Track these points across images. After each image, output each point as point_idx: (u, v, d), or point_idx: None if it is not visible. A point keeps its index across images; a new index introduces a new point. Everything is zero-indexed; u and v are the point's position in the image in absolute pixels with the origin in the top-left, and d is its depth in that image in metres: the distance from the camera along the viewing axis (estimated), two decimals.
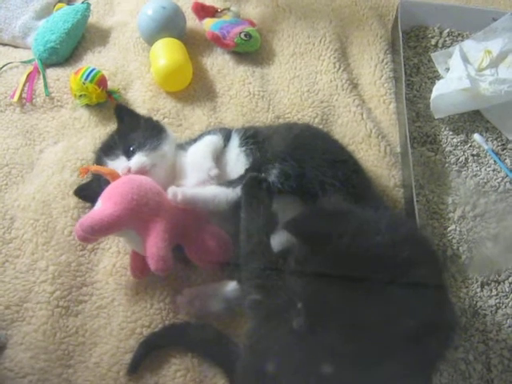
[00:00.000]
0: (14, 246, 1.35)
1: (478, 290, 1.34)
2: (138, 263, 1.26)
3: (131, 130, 1.34)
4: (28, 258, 1.33)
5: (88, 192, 1.35)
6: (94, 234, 1.13)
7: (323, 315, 0.94)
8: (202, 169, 1.28)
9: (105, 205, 1.16)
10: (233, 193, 1.21)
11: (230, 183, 1.24)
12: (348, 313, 0.92)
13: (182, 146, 1.39)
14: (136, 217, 1.16)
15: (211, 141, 1.36)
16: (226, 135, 1.38)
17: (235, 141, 1.36)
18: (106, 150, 1.33)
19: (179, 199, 1.18)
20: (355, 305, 0.92)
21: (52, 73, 1.71)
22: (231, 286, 1.24)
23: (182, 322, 1.25)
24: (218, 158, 1.33)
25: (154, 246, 1.15)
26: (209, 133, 1.41)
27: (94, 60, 1.76)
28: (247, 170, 1.27)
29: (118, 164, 1.27)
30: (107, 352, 1.21)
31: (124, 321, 1.24)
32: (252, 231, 1.11)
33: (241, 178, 1.25)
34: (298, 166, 1.23)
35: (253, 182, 1.15)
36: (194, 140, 1.40)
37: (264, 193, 1.14)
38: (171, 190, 1.19)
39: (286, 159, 1.24)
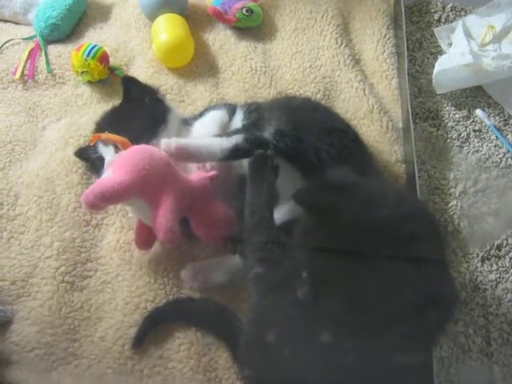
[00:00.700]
0: (19, 222, 1.36)
1: (479, 264, 1.35)
2: (144, 234, 1.27)
3: (136, 108, 1.35)
4: (33, 235, 1.34)
5: (88, 155, 1.37)
6: (104, 200, 1.13)
7: (327, 285, 0.95)
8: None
9: (116, 173, 1.16)
10: (227, 142, 1.21)
11: (225, 134, 1.25)
12: (351, 284, 0.93)
13: (187, 121, 1.39)
14: (146, 186, 1.17)
15: (216, 115, 1.37)
16: (231, 110, 1.39)
17: (240, 116, 1.37)
18: (109, 125, 1.34)
19: (173, 148, 1.18)
20: (359, 276, 0.93)
21: (53, 49, 1.71)
22: (234, 260, 1.25)
23: (186, 297, 1.27)
24: (223, 132, 1.34)
25: (163, 216, 1.16)
26: (214, 108, 1.42)
27: (96, 36, 1.75)
28: (244, 126, 1.29)
29: None
30: (112, 326, 1.22)
31: (128, 296, 1.26)
32: (256, 206, 1.12)
33: (236, 130, 1.27)
34: (294, 127, 1.23)
35: (259, 159, 1.16)
36: (200, 115, 1.41)
37: (269, 169, 1.14)
38: (164, 141, 1.20)
39: (283, 120, 1.25)
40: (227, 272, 1.25)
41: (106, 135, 1.30)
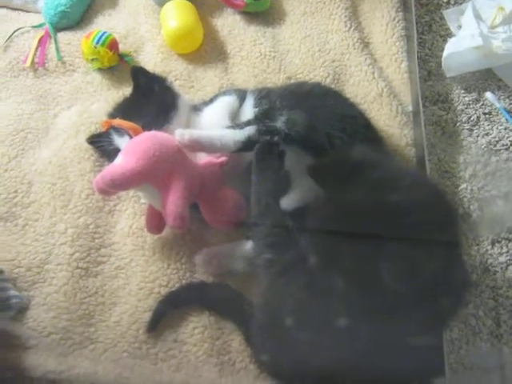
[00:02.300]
0: (33, 209, 1.38)
1: (489, 247, 1.35)
2: (154, 219, 1.29)
3: (146, 97, 1.35)
4: (47, 221, 1.36)
5: (102, 143, 1.38)
6: (115, 187, 1.15)
7: (339, 263, 0.96)
8: (218, 128, 1.29)
9: (126, 159, 1.17)
10: (240, 133, 1.21)
11: (237, 125, 1.25)
12: (364, 263, 0.94)
13: (197, 107, 1.40)
14: (156, 173, 1.18)
15: (226, 101, 1.38)
16: (241, 96, 1.39)
17: (250, 101, 1.37)
18: (121, 115, 1.34)
19: (186, 139, 1.19)
20: (372, 256, 0.94)
21: (63, 37, 1.72)
22: (248, 245, 1.26)
23: (199, 282, 1.29)
24: (234, 118, 1.35)
25: (173, 203, 1.17)
26: (224, 93, 1.43)
27: (105, 23, 1.76)
28: (256, 116, 1.29)
29: None
30: (127, 311, 1.24)
31: (142, 281, 1.28)
32: (262, 194, 1.13)
33: (248, 121, 1.26)
34: (306, 115, 1.24)
35: (264, 147, 1.16)
36: (210, 101, 1.42)
37: (275, 157, 1.15)
38: (178, 132, 1.20)
39: (294, 108, 1.25)
40: (241, 257, 1.27)
41: (117, 121, 1.31)
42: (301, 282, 1.02)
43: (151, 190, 1.22)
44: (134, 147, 1.20)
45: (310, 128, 1.22)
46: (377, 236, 0.93)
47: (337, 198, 1.01)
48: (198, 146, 1.21)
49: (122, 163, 1.17)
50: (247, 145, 1.20)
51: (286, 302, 1.06)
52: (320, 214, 1.05)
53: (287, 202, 1.18)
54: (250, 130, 1.21)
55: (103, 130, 1.37)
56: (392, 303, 0.93)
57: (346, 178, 1.01)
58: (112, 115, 1.38)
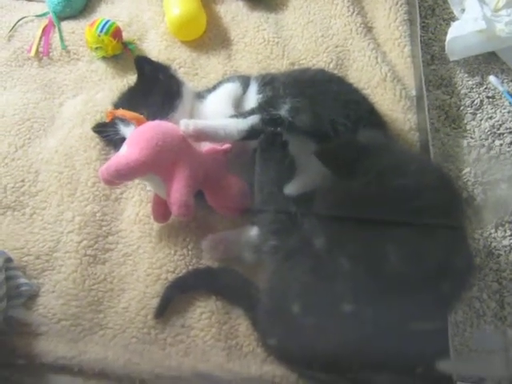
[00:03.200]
0: (40, 198, 1.39)
1: (493, 230, 1.36)
2: (160, 207, 1.30)
3: (151, 86, 1.36)
4: (54, 210, 1.37)
5: (105, 130, 1.39)
6: (119, 178, 1.17)
7: (346, 247, 0.98)
8: (221, 116, 1.29)
9: (130, 149, 1.18)
10: (243, 123, 1.22)
11: (241, 114, 1.26)
12: (370, 245, 0.96)
13: (201, 95, 1.41)
14: (160, 162, 1.19)
15: (230, 88, 1.38)
16: (245, 82, 1.40)
17: (254, 88, 1.38)
18: (126, 105, 1.35)
19: (191, 130, 1.20)
20: (378, 240, 0.95)
21: (67, 26, 1.72)
22: (253, 231, 1.27)
23: (205, 267, 1.30)
24: (237, 105, 1.35)
25: (177, 191, 1.18)
26: (227, 80, 1.43)
27: (108, 11, 1.76)
28: (260, 104, 1.30)
29: None
30: (135, 297, 1.26)
31: (149, 267, 1.29)
32: (265, 183, 1.14)
33: (252, 110, 1.27)
34: (310, 103, 1.24)
35: (268, 137, 1.17)
36: (213, 88, 1.42)
37: (278, 147, 1.16)
38: (183, 122, 1.21)
39: (298, 96, 1.25)
40: (246, 243, 1.28)
41: (121, 111, 1.32)
42: (306, 266, 1.03)
43: (156, 180, 1.23)
44: (138, 137, 1.21)
45: (314, 115, 1.22)
46: (384, 219, 0.94)
47: (344, 181, 1.02)
48: (203, 135, 1.22)
49: (126, 153, 1.18)
50: (251, 134, 1.21)
51: (292, 286, 1.07)
52: (328, 198, 1.06)
53: (292, 189, 1.19)
54: (253, 119, 1.22)
55: (108, 120, 1.38)
56: (398, 286, 0.94)
57: (354, 160, 1.01)
58: (117, 105, 1.38)
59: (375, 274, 0.95)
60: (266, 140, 1.17)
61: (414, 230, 0.95)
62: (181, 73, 1.53)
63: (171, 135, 1.21)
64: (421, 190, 0.99)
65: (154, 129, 1.21)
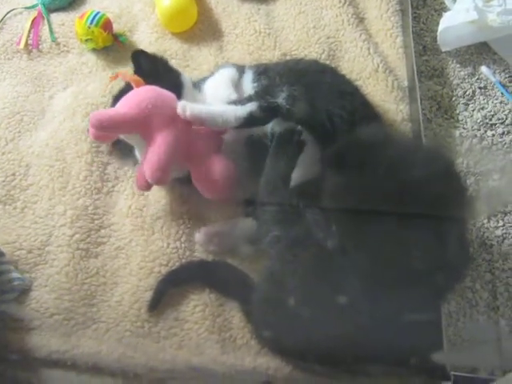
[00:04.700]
0: (32, 192, 1.38)
1: (485, 221, 1.37)
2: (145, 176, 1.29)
3: (150, 80, 1.34)
4: (46, 204, 1.36)
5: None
6: (101, 128, 1.17)
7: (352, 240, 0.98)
8: (222, 97, 1.30)
9: (120, 106, 1.21)
10: (241, 109, 1.21)
11: (239, 101, 1.25)
12: (377, 240, 0.96)
13: (196, 85, 1.40)
14: (146, 124, 1.19)
15: (227, 72, 1.38)
16: (240, 70, 1.40)
17: (249, 76, 1.38)
18: None
19: (187, 114, 1.19)
20: (385, 233, 0.96)
21: (56, 18, 1.71)
22: (248, 223, 1.28)
23: (198, 260, 1.30)
24: (236, 88, 1.35)
25: (156, 154, 1.17)
26: (223, 66, 1.44)
27: (98, 3, 1.75)
28: (257, 92, 1.29)
29: None
30: (128, 291, 1.26)
31: (142, 260, 1.29)
32: (274, 177, 1.14)
33: (249, 97, 1.27)
34: (306, 92, 1.24)
35: (287, 133, 1.17)
36: (208, 77, 1.42)
37: (294, 145, 1.16)
38: (181, 104, 1.21)
39: (294, 84, 1.25)
40: (241, 235, 1.28)
41: (123, 72, 1.35)
42: (308, 257, 1.04)
43: (140, 142, 1.23)
44: (132, 97, 1.23)
45: (311, 104, 1.22)
46: (389, 212, 0.95)
47: (355, 181, 1.02)
48: (199, 120, 1.21)
49: (115, 109, 1.21)
50: (249, 121, 1.21)
51: (293, 277, 1.07)
52: (339, 195, 1.07)
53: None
54: (251, 106, 1.21)
55: (110, 81, 1.41)
56: (398, 278, 0.95)
57: (362, 160, 1.02)
58: (116, 100, 1.37)
59: (374, 266, 0.95)
60: (284, 135, 1.16)
61: (422, 222, 0.95)
62: (172, 64, 1.52)
63: (163, 101, 1.22)
64: (426, 187, 0.99)
65: (147, 92, 1.23)
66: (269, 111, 1.21)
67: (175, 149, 1.20)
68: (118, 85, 1.42)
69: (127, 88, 1.32)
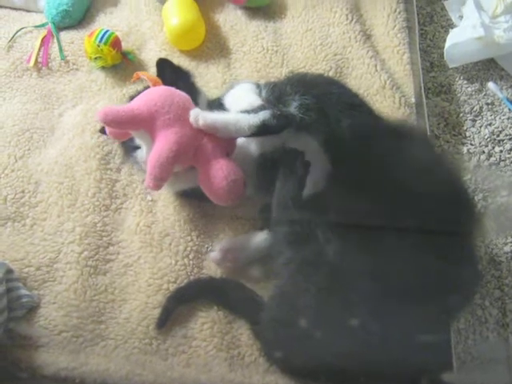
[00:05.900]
0: (41, 209, 1.39)
1: (494, 237, 1.36)
2: None
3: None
4: (55, 221, 1.37)
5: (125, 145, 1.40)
6: (106, 122, 1.17)
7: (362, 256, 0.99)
8: (248, 103, 1.28)
9: (132, 103, 1.22)
10: (254, 118, 1.19)
11: (252, 110, 1.24)
12: (387, 259, 0.96)
13: (212, 104, 1.38)
14: (151, 121, 1.19)
15: (247, 85, 1.38)
16: (257, 85, 1.39)
17: (265, 92, 1.36)
18: None
19: (200, 124, 1.18)
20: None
21: (66, 36, 1.73)
22: (262, 237, 1.28)
23: (207, 277, 1.30)
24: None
25: (158, 151, 1.17)
26: (239, 82, 1.43)
27: (107, 21, 1.76)
28: (269, 101, 1.29)
29: None
30: (136, 308, 1.26)
31: (151, 277, 1.29)
32: (285, 200, 1.14)
33: (262, 105, 1.25)
34: (317, 101, 1.24)
35: (290, 154, 1.17)
36: (223, 95, 1.40)
37: (299, 166, 1.16)
38: (193, 113, 1.19)
39: (305, 94, 1.25)
40: (256, 248, 1.28)
41: (143, 72, 1.38)
42: (320, 277, 1.04)
43: (146, 139, 1.22)
44: (144, 95, 1.24)
45: (322, 113, 1.22)
46: (397, 228, 0.95)
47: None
48: (212, 129, 1.20)
49: (126, 105, 1.21)
50: (262, 129, 1.19)
51: (304, 297, 1.07)
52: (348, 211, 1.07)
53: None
54: (264, 115, 1.19)
55: (133, 81, 1.45)
56: (412, 297, 0.95)
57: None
58: (132, 99, 1.36)
59: (387, 285, 0.95)
60: (288, 156, 1.17)
61: (433, 238, 0.95)
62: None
63: (174, 101, 1.21)
64: (435, 200, 1.00)
65: (159, 91, 1.24)
66: (282, 119, 1.20)
67: (178, 148, 1.18)
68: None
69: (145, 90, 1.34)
